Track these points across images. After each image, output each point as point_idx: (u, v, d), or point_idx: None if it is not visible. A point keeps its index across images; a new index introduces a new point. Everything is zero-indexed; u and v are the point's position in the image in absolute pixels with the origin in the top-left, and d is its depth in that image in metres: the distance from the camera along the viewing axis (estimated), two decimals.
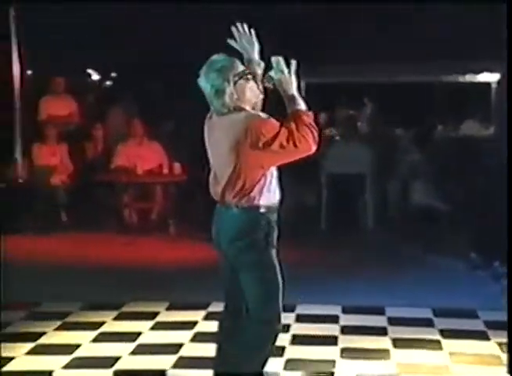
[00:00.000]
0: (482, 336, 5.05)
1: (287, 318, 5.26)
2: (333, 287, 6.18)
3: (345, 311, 5.57)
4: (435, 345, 4.88)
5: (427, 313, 5.52)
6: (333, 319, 5.39)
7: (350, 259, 7.27)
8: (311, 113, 3.49)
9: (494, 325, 5.21)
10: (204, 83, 3.50)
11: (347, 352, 4.71)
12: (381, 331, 5.15)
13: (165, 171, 8.64)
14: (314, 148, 3.44)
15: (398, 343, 4.90)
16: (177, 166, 8.56)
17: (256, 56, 3.70)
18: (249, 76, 3.52)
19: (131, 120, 9.11)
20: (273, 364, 4.39)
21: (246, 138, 3.39)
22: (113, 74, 12.01)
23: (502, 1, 5.51)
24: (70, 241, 8.33)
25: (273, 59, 3.52)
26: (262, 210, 3.52)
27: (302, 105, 3.50)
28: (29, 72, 10.24)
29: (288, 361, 4.56)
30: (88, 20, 9.39)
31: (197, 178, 8.39)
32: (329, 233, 8.58)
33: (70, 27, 9.46)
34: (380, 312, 5.56)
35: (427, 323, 5.33)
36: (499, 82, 9.70)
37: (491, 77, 10.86)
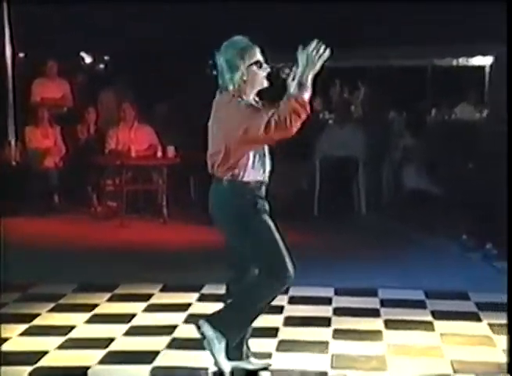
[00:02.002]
0: (474, 317, 5.08)
1: (280, 300, 5.31)
2: (326, 269, 6.21)
3: (338, 293, 5.60)
4: (427, 326, 4.91)
5: (419, 295, 5.55)
6: (326, 301, 5.42)
7: (343, 242, 7.31)
8: (303, 100, 3.57)
9: (485, 306, 5.25)
10: (222, 57, 3.76)
11: (339, 334, 4.74)
12: (374, 313, 5.18)
13: (159, 154, 8.63)
14: (292, 132, 3.62)
15: (389, 324, 4.93)
16: (170, 149, 8.55)
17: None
18: (263, 65, 3.78)
19: (123, 103, 9.09)
20: (266, 345, 4.45)
21: (233, 122, 3.70)
22: (106, 58, 11.96)
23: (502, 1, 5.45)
24: (64, 223, 8.35)
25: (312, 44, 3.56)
26: (247, 184, 3.80)
27: (305, 93, 3.58)
28: (21, 55, 10.19)
29: (281, 342, 4.59)
30: (81, 5, 9.36)
31: (191, 162, 8.47)
32: (323, 215, 8.61)
33: (63, 11, 9.43)
34: (372, 293, 5.59)
35: (419, 304, 5.37)
36: (492, 65, 9.70)
37: (484, 61, 10.86)
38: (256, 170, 3.83)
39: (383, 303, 5.38)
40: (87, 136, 9.66)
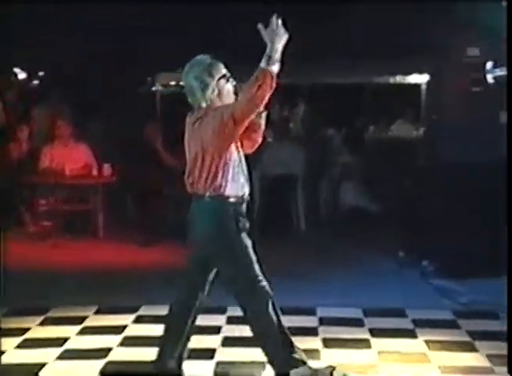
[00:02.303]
0: (410, 334, 5.09)
1: (218, 320, 5.25)
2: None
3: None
4: (365, 344, 4.91)
5: (357, 313, 5.55)
6: None
7: (281, 259, 7.26)
8: (270, 72, 3.68)
9: (421, 323, 5.28)
10: (190, 75, 3.88)
11: None
12: (312, 332, 5.15)
13: (94, 172, 8.47)
14: (259, 104, 3.70)
15: (328, 343, 4.91)
16: (106, 167, 8.41)
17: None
18: (230, 79, 3.92)
19: (58, 120, 8.91)
20: (205, 366, 4.37)
21: (216, 123, 3.76)
22: (41, 74, 11.75)
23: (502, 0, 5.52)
24: None
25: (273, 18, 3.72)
26: (229, 199, 3.83)
27: (273, 65, 3.70)
28: None
29: (218, 363, 4.51)
30: (14, 17, 9.16)
31: (128, 180, 8.35)
32: (262, 233, 8.55)
33: None
34: (311, 312, 5.56)
35: (357, 322, 5.36)
36: (428, 83, 9.86)
37: (420, 79, 11.03)
38: (236, 183, 3.86)
39: (321, 321, 5.36)
40: (19, 154, 9.43)
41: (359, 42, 9.75)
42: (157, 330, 5.09)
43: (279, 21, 3.74)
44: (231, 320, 5.29)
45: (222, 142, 3.80)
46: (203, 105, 3.88)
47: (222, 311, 5.38)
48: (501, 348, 4.74)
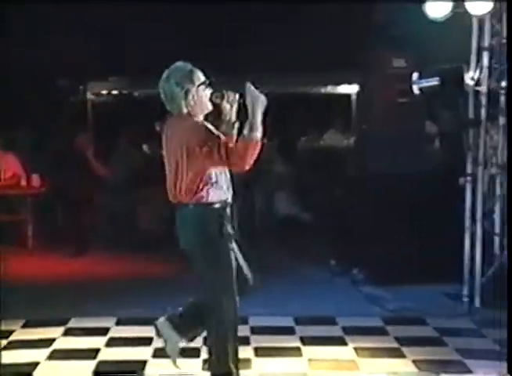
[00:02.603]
0: (340, 342, 5.15)
1: (147, 331, 5.19)
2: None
3: None
4: (295, 352, 4.94)
5: (288, 321, 5.58)
6: None
7: None
8: (255, 141, 3.71)
9: (351, 330, 5.34)
10: (171, 81, 3.90)
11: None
12: (244, 341, 5.14)
13: (23, 182, 8.31)
14: (245, 168, 3.76)
15: (259, 352, 4.93)
16: (35, 177, 8.26)
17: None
18: (207, 86, 3.94)
19: None
20: None
21: (190, 143, 3.78)
22: None
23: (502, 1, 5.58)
24: None
25: (248, 85, 3.80)
26: (213, 205, 3.86)
27: (256, 132, 3.73)
28: None
29: None
30: None
31: (58, 189, 8.21)
32: None
33: None
34: (243, 321, 5.55)
35: (289, 330, 5.40)
36: (358, 93, 10.01)
37: (350, 89, 11.21)
38: (220, 189, 3.89)
39: (253, 331, 5.37)
40: None
41: (291, 53, 9.84)
42: (87, 342, 5.07)
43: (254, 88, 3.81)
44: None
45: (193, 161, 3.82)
46: (184, 111, 3.90)
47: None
48: (428, 353, 4.86)
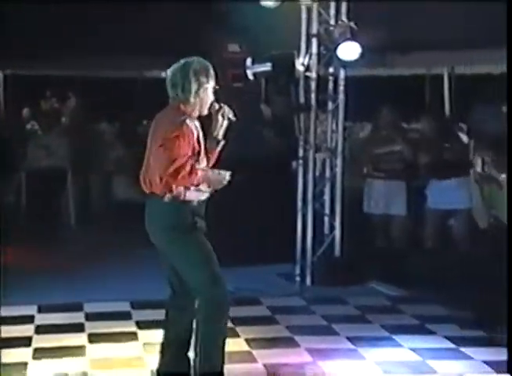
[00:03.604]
0: None
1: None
2: (29, 286, 5.97)
3: (41, 310, 5.44)
4: (131, 337, 4.94)
5: (125, 306, 5.57)
6: (28, 319, 5.24)
7: (49, 256, 7.11)
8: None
9: None
10: (191, 71, 3.79)
11: (40, 353, 4.58)
12: (78, 328, 5.10)
13: None
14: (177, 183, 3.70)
15: (93, 338, 4.88)
16: None
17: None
18: (215, 90, 3.91)
19: None
20: None
21: (164, 134, 3.70)
22: None
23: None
24: None
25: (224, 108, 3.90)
26: (188, 203, 3.79)
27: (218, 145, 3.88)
28: None
29: None
30: None
31: None
32: (31, 230, 8.29)
33: None
34: (78, 308, 5.50)
35: (125, 316, 5.39)
36: None
37: None
38: (198, 191, 3.82)
39: (88, 317, 5.32)
40: None
41: (131, 38, 9.73)
42: None
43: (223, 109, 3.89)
44: None
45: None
46: (192, 100, 3.81)
47: None
48: (260, 332, 5.02)
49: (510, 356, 3.93)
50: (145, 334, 4.97)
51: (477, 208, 4.90)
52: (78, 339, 4.87)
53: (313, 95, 6.25)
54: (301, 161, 6.43)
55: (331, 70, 6.28)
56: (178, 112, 3.80)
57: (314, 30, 6.20)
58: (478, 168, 4.72)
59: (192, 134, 3.76)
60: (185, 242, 3.81)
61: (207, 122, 3.96)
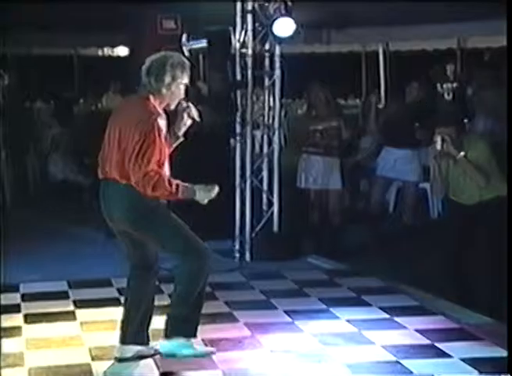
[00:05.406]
0: (116, 303, 5.14)
1: None
2: None
3: None
4: (68, 316, 4.91)
5: (62, 286, 5.53)
6: None
7: None
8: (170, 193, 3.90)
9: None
10: (169, 63, 3.90)
11: None
12: (14, 309, 5.03)
13: None
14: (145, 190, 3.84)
15: (30, 319, 4.83)
16: None
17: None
18: (187, 89, 4.01)
19: None
20: None
21: (131, 123, 3.82)
22: None
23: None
24: None
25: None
26: None
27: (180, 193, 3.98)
28: None
29: None
30: None
31: None
32: None
33: None
34: (14, 289, 5.43)
35: (62, 295, 5.34)
36: (131, 55, 9.93)
37: (125, 51, 11.15)
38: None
39: (23, 298, 5.26)
40: None
41: (64, 15, 9.56)
42: None
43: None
44: None
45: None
46: (163, 91, 3.90)
47: None
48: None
49: (510, 355, 3.94)
50: (82, 313, 4.94)
51: (434, 182, 5.18)
52: (14, 320, 4.81)
53: (249, 72, 6.24)
54: (238, 138, 6.43)
55: (267, 46, 6.28)
56: (148, 106, 3.88)
57: (249, 7, 6.18)
58: (438, 146, 4.97)
59: (161, 134, 3.88)
60: (152, 218, 3.92)
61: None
